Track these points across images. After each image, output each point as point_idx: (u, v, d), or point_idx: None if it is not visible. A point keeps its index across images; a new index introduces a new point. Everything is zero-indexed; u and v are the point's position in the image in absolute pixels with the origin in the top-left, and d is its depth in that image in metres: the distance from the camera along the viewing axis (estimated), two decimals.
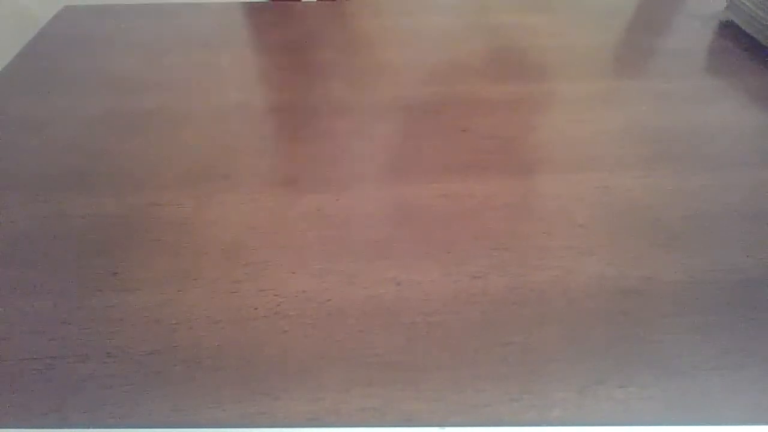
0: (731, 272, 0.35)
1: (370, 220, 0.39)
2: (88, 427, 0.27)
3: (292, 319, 0.32)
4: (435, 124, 0.48)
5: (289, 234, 0.38)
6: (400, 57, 0.58)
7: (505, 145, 0.46)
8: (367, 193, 0.41)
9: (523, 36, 0.62)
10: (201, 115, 0.49)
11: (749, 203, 0.40)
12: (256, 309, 0.33)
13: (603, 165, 0.43)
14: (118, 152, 0.45)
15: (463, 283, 0.34)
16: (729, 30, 0.63)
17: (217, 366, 0.30)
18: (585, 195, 0.41)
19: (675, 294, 0.34)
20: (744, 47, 0.59)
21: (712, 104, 0.51)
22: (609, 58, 0.58)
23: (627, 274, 0.35)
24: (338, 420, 0.28)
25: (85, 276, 0.35)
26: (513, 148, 0.45)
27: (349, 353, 0.31)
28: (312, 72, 0.56)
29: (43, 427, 0.27)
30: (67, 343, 0.31)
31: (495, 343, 0.31)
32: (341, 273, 0.35)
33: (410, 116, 0.49)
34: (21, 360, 0.30)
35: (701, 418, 0.28)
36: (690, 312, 0.33)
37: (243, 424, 0.28)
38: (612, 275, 0.35)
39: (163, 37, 0.62)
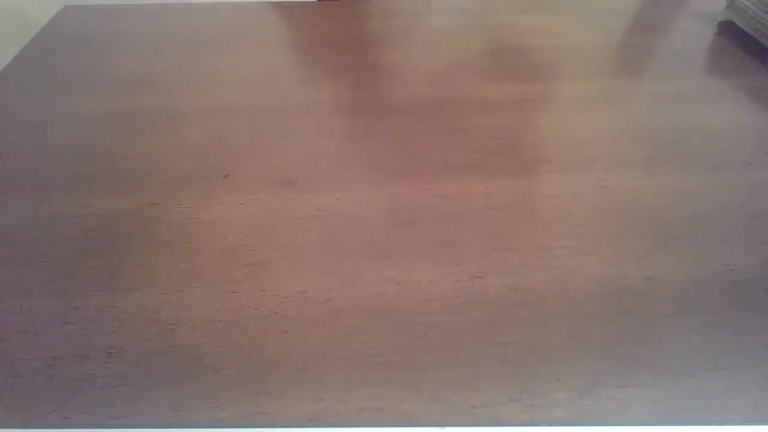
0: (731, 272, 0.35)
1: (369, 220, 0.39)
2: (88, 427, 0.27)
3: (292, 319, 0.32)
4: (435, 124, 0.48)
5: (289, 234, 0.38)
6: (400, 57, 0.58)
7: (505, 145, 0.46)
8: (367, 193, 0.41)
9: (523, 36, 0.62)
10: (201, 115, 0.49)
11: (749, 203, 0.40)
12: (256, 309, 0.33)
13: (603, 165, 0.43)
14: (118, 152, 0.45)
15: (463, 283, 0.34)
16: (729, 30, 0.63)
17: (217, 366, 0.30)
18: (585, 195, 0.41)
19: (675, 294, 0.34)
20: (744, 47, 0.59)
21: (712, 104, 0.51)
22: (609, 58, 0.58)
23: (627, 274, 0.35)
24: (338, 420, 0.28)
25: (85, 276, 0.35)
26: (513, 148, 0.45)
27: (349, 353, 0.31)
28: (312, 72, 0.56)
29: (43, 427, 0.27)
30: (67, 343, 0.31)
31: (495, 343, 0.31)
32: (341, 273, 0.35)
33: (410, 116, 0.49)
34: (21, 360, 0.30)
35: (701, 418, 0.28)
36: (690, 312, 0.33)
37: (243, 424, 0.28)
38: (612, 275, 0.35)
39: (163, 37, 0.62)
